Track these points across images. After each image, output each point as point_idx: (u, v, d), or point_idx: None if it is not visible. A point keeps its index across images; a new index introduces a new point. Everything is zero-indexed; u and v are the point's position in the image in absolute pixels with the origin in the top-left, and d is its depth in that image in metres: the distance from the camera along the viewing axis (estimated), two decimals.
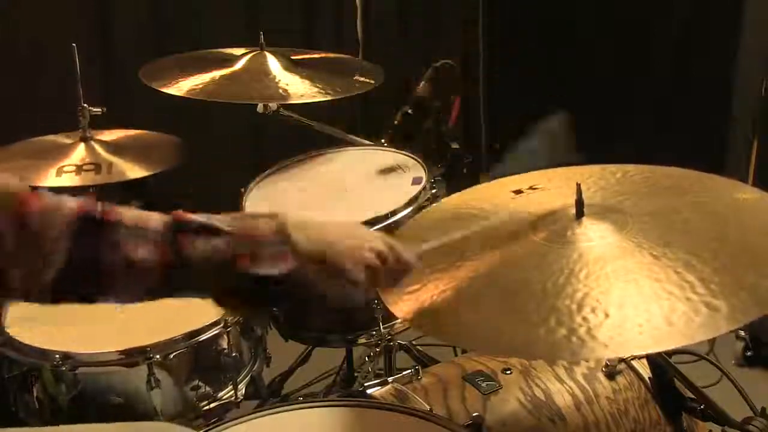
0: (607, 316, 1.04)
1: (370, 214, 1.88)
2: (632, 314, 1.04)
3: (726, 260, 1.09)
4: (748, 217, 1.21)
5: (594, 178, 1.38)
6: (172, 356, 1.67)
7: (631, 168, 1.40)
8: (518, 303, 1.11)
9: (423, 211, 1.59)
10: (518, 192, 1.38)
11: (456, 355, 2.06)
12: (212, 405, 1.75)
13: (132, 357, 1.64)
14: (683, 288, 1.05)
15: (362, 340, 2.00)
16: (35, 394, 1.70)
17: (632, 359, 1.52)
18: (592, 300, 1.07)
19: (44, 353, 1.64)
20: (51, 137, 2.14)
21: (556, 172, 1.45)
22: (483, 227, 1.25)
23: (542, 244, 1.20)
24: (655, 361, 1.43)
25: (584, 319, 1.04)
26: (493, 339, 1.10)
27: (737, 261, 1.09)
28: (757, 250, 1.12)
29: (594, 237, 1.18)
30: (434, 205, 1.91)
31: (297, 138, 2.62)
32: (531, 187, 1.39)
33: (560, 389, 1.46)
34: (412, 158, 2.15)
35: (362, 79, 2.20)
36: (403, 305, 1.19)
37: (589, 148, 1.47)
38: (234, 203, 2.04)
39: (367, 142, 2.31)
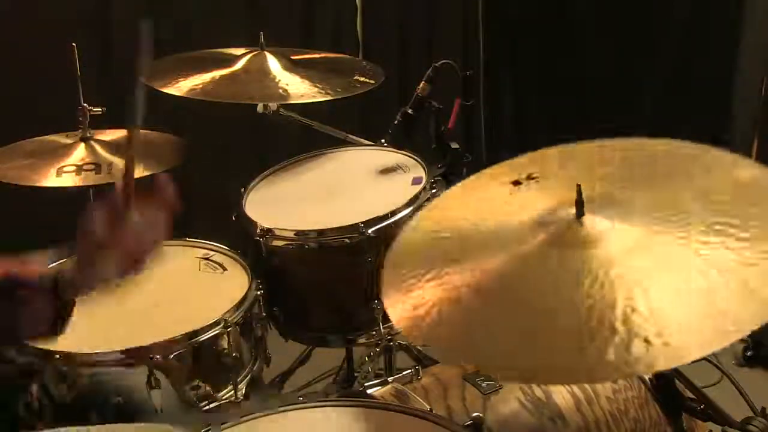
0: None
1: (370, 214, 1.88)
2: (674, 313, 0.97)
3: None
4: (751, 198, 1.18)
5: (590, 161, 1.36)
6: (172, 356, 1.67)
7: (629, 145, 1.38)
8: (525, 318, 1.06)
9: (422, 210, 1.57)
10: (516, 183, 1.36)
11: None
12: (212, 405, 1.75)
13: (132, 357, 1.64)
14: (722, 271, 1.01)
15: (362, 340, 2.00)
16: (35, 394, 1.70)
17: None
18: (598, 312, 1.00)
19: (44, 353, 1.64)
20: (51, 137, 2.14)
21: (553, 157, 1.43)
22: None
23: (544, 249, 1.16)
24: None
25: (623, 327, 0.96)
26: (500, 360, 1.04)
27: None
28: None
29: (598, 238, 1.14)
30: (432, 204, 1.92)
31: (297, 138, 2.62)
32: (529, 176, 1.36)
33: (560, 389, 1.45)
34: (412, 158, 2.15)
35: (362, 79, 2.21)
36: (403, 316, 1.15)
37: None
38: (234, 203, 2.04)
39: (367, 142, 2.31)
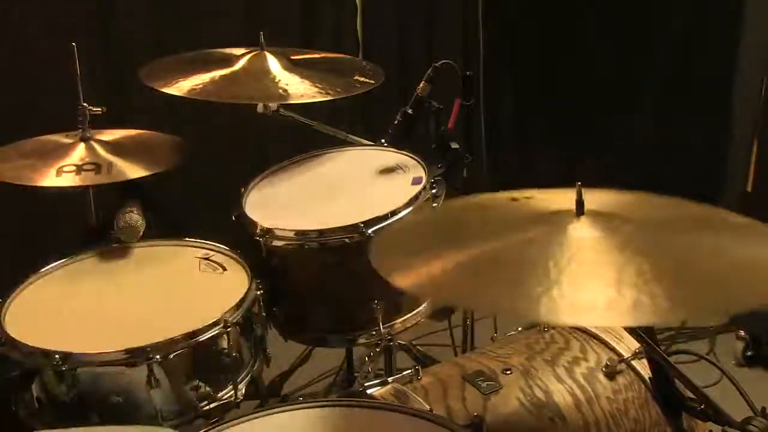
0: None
1: (370, 214, 1.88)
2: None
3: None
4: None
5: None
6: (172, 356, 1.67)
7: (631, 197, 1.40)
8: (515, 275, 1.13)
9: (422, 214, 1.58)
10: (514, 200, 1.37)
11: (456, 355, 2.06)
12: (212, 405, 1.75)
13: (132, 357, 1.64)
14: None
15: (362, 340, 2.00)
16: (35, 394, 1.70)
17: (632, 359, 1.53)
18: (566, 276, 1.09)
19: (44, 353, 1.64)
20: (51, 137, 2.14)
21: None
22: None
23: (539, 236, 1.20)
24: (655, 361, 1.43)
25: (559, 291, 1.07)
26: (483, 297, 1.14)
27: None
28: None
29: (587, 237, 1.18)
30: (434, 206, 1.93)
31: (297, 138, 2.62)
32: (525, 198, 1.38)
33: (560, 389, 1.46)
34: (412, 158, 2.15)
35: (362, 79, 2.20)
36: (405, 279, 1.20)
37: (590, 149, 1.46)
38: (234, 203, 2.04)
39: (367, 142, 2.31)
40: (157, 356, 1.64)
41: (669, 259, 1.15)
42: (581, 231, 1.18)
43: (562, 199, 1.28)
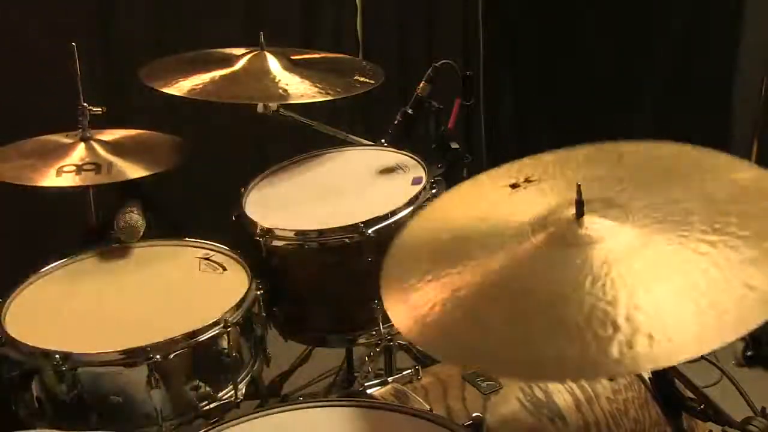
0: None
1: (370, 214, 1.88)
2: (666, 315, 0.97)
3: (741, 244, 1.03)
4: (751, 199, 1.17)
5: (588, 164, 1.36)
6: (172, 356, 1.67)
7: (626, 148, 1.38)
8: (526, 317, 1.06)
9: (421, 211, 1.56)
10: (515, 186, 1.36)
11: None
12: (212, 405, 1.75)
13: (132, 357, 1.64)
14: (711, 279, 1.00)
15: (362, 340, 2.00)
16: (35, 394, 1.70)
17: None
18: (600, 310, 1.01)
19: (44, 353, 1.64)
20: (51, 137, 2.14)
21: (550, 161, 1.42)
22: None
23: (544, 249, 1.15)
24: None
25: (618, 327, 0.96)
26: (503, 359, 1.04)
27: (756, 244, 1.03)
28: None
29: (598, 237, 1.13)
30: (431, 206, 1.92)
31: (297, 138, 2.62)
32: (526, 179, 1.37)
33: (560, 389, 1.45)
34: (412, 158, 2.15)
35: (362, 79, 2.21)
36: (404, 318, 1.15)
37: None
38: (234, 203, 2.04)
39: (367, 142, 2.31)
40: (157, 356, 1.64)
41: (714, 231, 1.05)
42: (601, 241, 1.10)
43: (555, 181, 1.25)
